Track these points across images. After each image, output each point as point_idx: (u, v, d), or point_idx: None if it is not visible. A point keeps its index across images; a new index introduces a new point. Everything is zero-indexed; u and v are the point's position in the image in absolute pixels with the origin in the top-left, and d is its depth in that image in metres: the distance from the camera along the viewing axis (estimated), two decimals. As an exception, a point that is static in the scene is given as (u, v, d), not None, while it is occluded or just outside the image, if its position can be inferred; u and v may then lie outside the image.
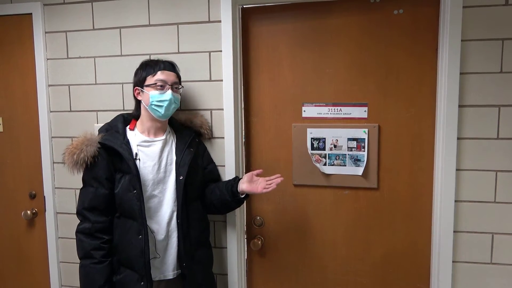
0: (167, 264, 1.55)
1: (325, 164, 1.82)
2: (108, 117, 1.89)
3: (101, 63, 1.90)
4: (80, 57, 1.92)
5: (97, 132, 1.58)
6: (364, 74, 1.75)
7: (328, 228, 1.85)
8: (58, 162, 1.99)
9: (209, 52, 1.79)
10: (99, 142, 1.50)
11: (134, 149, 1.53)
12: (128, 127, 1.59)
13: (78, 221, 1.53)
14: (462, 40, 1.57)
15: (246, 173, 1.91)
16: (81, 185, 1.55)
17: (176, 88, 1.58)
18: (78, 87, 1.93)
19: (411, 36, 1.69)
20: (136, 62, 1.76)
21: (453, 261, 1.66)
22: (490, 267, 1.64)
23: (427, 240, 1.75)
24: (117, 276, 1.51)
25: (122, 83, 1.88)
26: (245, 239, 1.94)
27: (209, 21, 1.78)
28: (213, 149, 1.81)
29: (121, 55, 1.87)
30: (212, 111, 1.81)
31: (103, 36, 1.88)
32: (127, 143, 1.52)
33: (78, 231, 1.51)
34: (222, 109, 1.79)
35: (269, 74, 1.85)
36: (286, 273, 1.92)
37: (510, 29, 1.54)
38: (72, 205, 1.98)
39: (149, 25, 1.83)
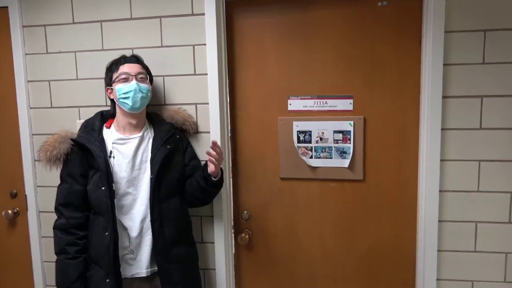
0: (141, 262, 1.54)
1: (311, 157, 1.82)
2: (90, 113, 1.84)
3: (82, 58, 1.85)
4: (60, 52, 1.86)
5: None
6: (350, 67, 1.75)
7: (315, 221, 1.86)
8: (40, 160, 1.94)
9: (193, 45, 1.76)
10: (71, 139, 1.53)
11: (109, 147, 1.54)
12: (104, 125, 1.60)
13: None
14: (445, 32, 1.59)
15: (232, 167, 1.90)
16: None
17: (141, 78, 1.56)
18: (59, 82, 1.88)
19: (395, 28, 1.70)
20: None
21: (438, 250, 1.68)
22: (474, 255, 1.67)
23: (413, 231, 1.77)
24: (88, 272, 1.53)
25: (104, 78, 1.84)
26: (233, 234, 1.94)
27: (192, 14, 1.75)
28: (198, 144, 1.79)
29: (103, 50, 1.83)
30: (197, 105, 1.79)
31: (83, 30, 1.83)
32: (101, 140, 1.53)
33: (54, 227, 1.54)
34: (207, 103, 1.77)
35: (254, 67, 1.83)
36: (274, 266, 1.92)
37: (492, 20, 1.56)
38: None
39: (131, 18, 1.79)
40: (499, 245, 1.65)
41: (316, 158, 1.82)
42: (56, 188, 1.58)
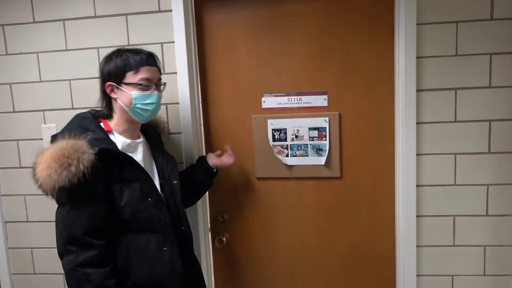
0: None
1: (287, 155, 1.78)
2: (57, 116, 1.78)
3: (45, 59, 1.76)
4: (21, 53, 1.77)
5: (51, 139, 1.26)
6: (323, 62, 1.71)
7: (294, 219, 1.82)
8: (5, 168, 1.84)
9: (161, 43, 1.70)
10: (98, 148, 1.18)
11: None
12: (104, 128, 1.31)
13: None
14: (417, 24, 1.56)
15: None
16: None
17: (160, 86, 1.37)
18: (21, 85, 1.79)
19: (368, 21, 1.66)
20: (83, 57, 1.64)
21: (417, 246, 1.66)
22: (453, 249, 1.66)
23: (391, 227, 1.75)
24: None
25: (70, 80, 1.76)
26: (210, 237, 1.88)
27: (159, 11, 1.68)
28: (170, 145, 1.72)
29: (67, 50, 1.74)
30: (168, 105, 1.72)
31: (45, 29, 1.74)
32: (116, 146, 1.29)
33: (79, 265, 1.15)
34: (178, 103, 1.71)
35: (226, 65, 1.78)
36: (254, 267, 1.87)
37: (464, 11, 1.54)
38: (22, 213, 1.84)
39: (95, 16, 1.71)
40: (477, 238, 1.64)
41: (292, 156, 1.77)
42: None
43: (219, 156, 1.69)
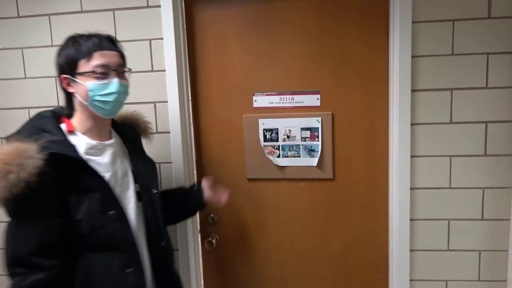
0: None
1: (278, 156, 1.73)
2: None
3: (30, 55, 1.71)
4: (5, 49, 1.72)
5: (3, 141, 1.17)
6: (316, 60, 1.67)
7: (285, 222, 1.77)
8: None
9: (150, 40, 1.65)
10: (47, 152, 1.01)
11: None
12: (65, 128, 1.15)
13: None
14: (413, 22, 1.51)
15: (197, 169, 1.80)
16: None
17: (122, 72, 1.19)
18: (5, 82, 1.74)
19: (362, 19, 1.61)
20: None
21: (410, 250, 1.62)
22: (448, 254, 1.62)
23: (385, 230, 1.71)
24: None
25: (56, 77, 1.70)
26: (199, 239, 1.83)
27: (147, 6, 1.63)
28: (158, 145, 1.67)
29: (52, 45, 1.69)
30: (156, 104, 1.67)
31: (30, 24, 1.69)
32: (75, 150, 1.10)
33: None
34: (167, 102, 1.66)
35: (217, 62, 1.73)
36: (244, 270, 1.82)
37: (461, 9, 1.49)
38: None
39: (82, 11, 1.66)
40: (472, 243, 1.60)
41: (284, 157, 1.73)
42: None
43: (212, 187, 1.55)
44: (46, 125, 1.12)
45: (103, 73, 1.12)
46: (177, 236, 1.72)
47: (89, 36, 1.15)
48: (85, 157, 1.12)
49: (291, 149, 1.72)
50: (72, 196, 1.06)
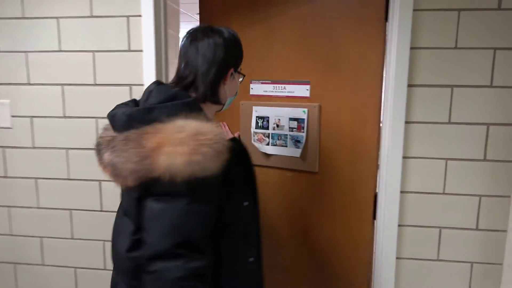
0: None
1: (268, 144, 1.67)
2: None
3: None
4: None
5: (142, 113, 0.95)
6: (308, 50, 1.57)
7: (269, 210, 1.69)
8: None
9: (127, 16, 1.53)
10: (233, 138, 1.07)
11: None
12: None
13: None
14: (414, 10, 1.37)
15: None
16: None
17: None
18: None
19: (358, 4, 1.48)
20: (41, 28, 1.48)
21: (397, 258, 1.50)
22: (437, 264, 1.50)
23: (369, 233, 1.59)
24: None
25: (27, 52, 1.59)
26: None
27: (126, -21, 1.51)
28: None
29: (24, 18, 1.58)
30: (132, 86, 1.56)
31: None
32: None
33: (188, 275, 0.89)
34: (143, 85, 1.54)
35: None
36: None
37: (468, -3, 1.35)
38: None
39: (56, -15, 1.54)
40: (464, 253, 1.48)
41: (273, 145, 1.67)
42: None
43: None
44: (195, 106, 1.00)
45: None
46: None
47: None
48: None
49: (279, 138, 1.66)
50: (227, 184, 0.99)
